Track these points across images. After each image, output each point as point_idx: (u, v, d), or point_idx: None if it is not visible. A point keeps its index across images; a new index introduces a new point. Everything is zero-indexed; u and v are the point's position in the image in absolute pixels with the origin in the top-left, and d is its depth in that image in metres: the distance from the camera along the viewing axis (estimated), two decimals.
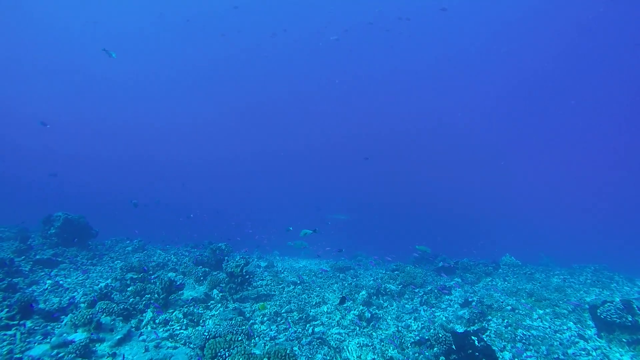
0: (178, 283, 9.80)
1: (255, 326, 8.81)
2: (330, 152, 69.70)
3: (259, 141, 70.00)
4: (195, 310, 9.19)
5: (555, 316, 10.03)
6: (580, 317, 9.88)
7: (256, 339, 7.50)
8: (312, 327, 8.86)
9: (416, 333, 9.08)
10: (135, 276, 11.35)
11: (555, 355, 8.03)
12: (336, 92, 57.44)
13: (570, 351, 8.29)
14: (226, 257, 14.67)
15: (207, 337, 6.39)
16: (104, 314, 7.88)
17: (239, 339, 6.04)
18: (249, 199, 65.94)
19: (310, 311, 10.05)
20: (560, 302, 10.90)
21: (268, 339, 8.09)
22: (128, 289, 10.26)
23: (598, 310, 9.02)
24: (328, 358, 7.56)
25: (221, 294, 10.34)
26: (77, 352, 6.11)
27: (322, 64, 51.63)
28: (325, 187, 71.35)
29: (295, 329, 8.75)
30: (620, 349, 8.43)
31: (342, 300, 9.44)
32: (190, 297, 9.99)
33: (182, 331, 8.03)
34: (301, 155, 71.31)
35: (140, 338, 7.52)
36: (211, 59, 52.89)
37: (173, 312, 8.79)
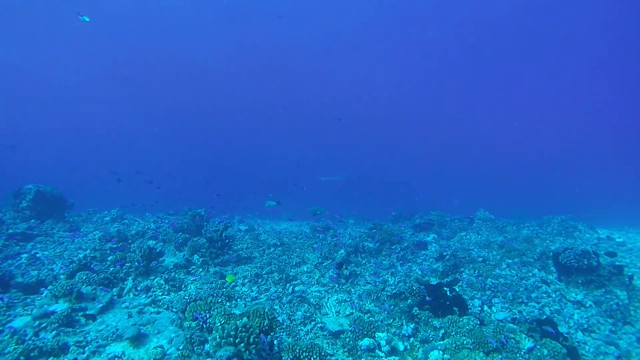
0: (158, 250, 9.86)
1: (237, 288, 9.05)
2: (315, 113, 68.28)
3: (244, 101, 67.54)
4: (176, 275, 9.33)
5: (522, 265, 10.66)
6: (545, 264, 10.54)
7: (238, 300, 7.73)
8: (292, 287, 9.16)
9: (393, 287, 9.52)
10: (115, 246, 11.33)
11: (520, 300, 8.63)
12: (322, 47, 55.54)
13: (533, 295, 8.92)
14: (205, 223, 14.74)
15: (188, 300, 6.55)
16: (85, 284, 7.92)
17: (219, 300, 6.21)
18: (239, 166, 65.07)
19: (291, 271, 10.34)
20: (528, 251, 11.56)
21: (249, 299, 8.36)
22: (108, 258, 10.26)
23: (560, 257, 9.64)
24: (308, 314, 7.90)
25: (202, 259, 10.48)
26: (59, 321, 6.18)
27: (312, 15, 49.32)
28: (313, 148, 70.39)
29: (276, 289, 9.04)
30: (576, 289, 9.14)
31: (340, 265, 9.75)
32: (172, 264, 10.10)
33: (164, 296, 8.18)
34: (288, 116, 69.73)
35: (124, 305, 7.64)
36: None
37: (155, 279, 8.91)
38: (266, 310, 5.60)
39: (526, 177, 61.77)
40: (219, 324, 5.41)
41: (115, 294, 8.06)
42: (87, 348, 5.90)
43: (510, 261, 10.81)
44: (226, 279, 7.73)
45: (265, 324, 5.42)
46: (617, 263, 11.42)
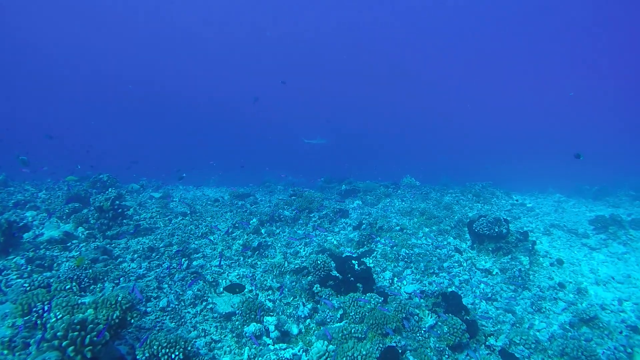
0: (22, 224, 8.22)
1: (124, 264, 7.81)
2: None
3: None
4: (48, 253, 7.83)
5: (439, 233, 10.49)
6: (460, 232, 10.45)
7: (106, 283, 6.49)
8: (188, 262, 8.08)
9: (303, 259, 8.83)
10: None
11: (431, 270, 8.36)
12: None
13: (445, 264, 8.70)
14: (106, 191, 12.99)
15: (27, 288, 5.24)
16: None
17: (68, 287, 4.99)
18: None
19: (194, 243, 9.26)
20: (446, 218, 11.46)
21: (133, 278, 7.18)
22: None
23: (474, 225, 9.51)
24: (201, 294, 6.94)
25: (87, 231, 8.99)
26: None
27: None
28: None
29: (170, 264, 7.93)
30: (486, 257, 9.10)
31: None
32: (48, 239, 8.52)
33: (17, 281, 6.72)
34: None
35: None
36: None
37: (14, 259, 7.34)
38: (119, 298, 4.52)
39: (461, 149, 64.07)
40: (54, 319, 4.24)
41: None
42: None
43: (427, 229, 10.60)
44: (76, 263, 6.32)
45: (115, 317, 4.35)
46: (525, 228, 11.77)
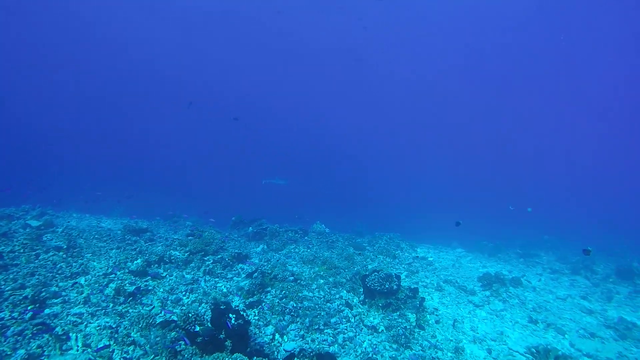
0: None
1: None
2: None
3: None
4: None
5: (334, 285, 10.36)
6: (355, 285, 10.42)
7: None
8: (37, 309, 6.91)
9: (184, 308, 8.07)
10: None
11: (317, 326, 8.07)
12: None
13: (332, 320, 8.48)
14: None
15: None
16: None
17: None
18: None
19: (57, 285, 8.04)
20: (345, 270, 11.44)
21: None
22: None
23: (367, 280, 9.55)
24: (39, 352, 5.87)
25: None
26: None
27: None
28: None
29: (11, 314, 6.69)
30: (376, 313, 9.10)
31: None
32: None
33: None
34: None
35: None
36: None
37: None
38: None
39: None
40: None
41: None
42: None
43: (322, 281, 10.43)
44: None
45: None
46: (420, 283, 12.19)
